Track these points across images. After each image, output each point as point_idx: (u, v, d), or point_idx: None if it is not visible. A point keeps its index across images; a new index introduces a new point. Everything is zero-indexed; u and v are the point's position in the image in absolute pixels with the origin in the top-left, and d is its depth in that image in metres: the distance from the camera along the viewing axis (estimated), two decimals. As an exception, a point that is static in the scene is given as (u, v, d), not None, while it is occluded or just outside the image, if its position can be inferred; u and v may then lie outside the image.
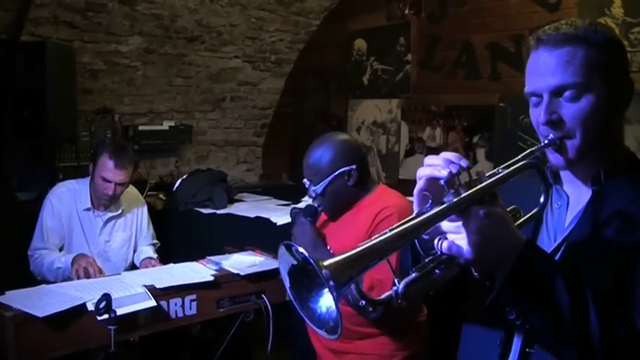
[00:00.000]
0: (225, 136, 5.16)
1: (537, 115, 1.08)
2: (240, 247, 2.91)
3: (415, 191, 1.00)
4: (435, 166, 0.97)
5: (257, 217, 3.56)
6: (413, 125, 4.21)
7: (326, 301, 0.89)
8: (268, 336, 2.49)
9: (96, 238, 2.89)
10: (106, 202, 2.86)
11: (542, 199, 1.10)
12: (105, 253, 2.91)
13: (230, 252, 2.84)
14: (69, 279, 2.55)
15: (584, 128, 1.05)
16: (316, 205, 2.03)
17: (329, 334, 0.90)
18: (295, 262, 0.92)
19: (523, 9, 3.51)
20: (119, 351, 2.04)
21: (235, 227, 3.61)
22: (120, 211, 2.95)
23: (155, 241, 3.17)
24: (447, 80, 3.95)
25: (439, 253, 0.98)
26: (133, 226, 3.03)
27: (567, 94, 1.05)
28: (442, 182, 0.94)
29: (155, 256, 3.03)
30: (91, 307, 2.06)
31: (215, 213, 3.81)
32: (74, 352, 2.07)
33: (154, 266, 2.83)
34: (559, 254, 1.09)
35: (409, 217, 0.96)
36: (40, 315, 1.96)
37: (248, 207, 3.93)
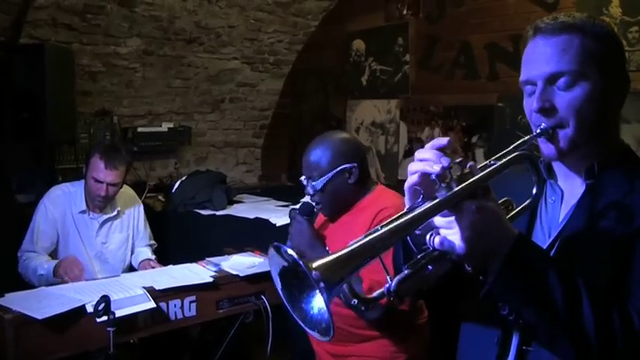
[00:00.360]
0: (224, 137, 5.15)
1: (531, 104, 1.07)
2: (239, 248, 2.92)
3: (406, 186, 0.98)
4: (427, 161, 0.95)
5: (256, 218, 3.57)
6: (412, 125, 4.20)
7: (317, 303, 0.87)
8: (268, 337, 2.49)
9: (92, 241, 2.88)
10: (99, 203, 2.84)
11: (534, 190, 1.09)
12: (102, 255, 2.90)
13: (229, 253, 2.84)
14: (53, 285, 2.49)
15: (578, 117, 1.04)
16: (314, 202, 1.99)
17: (322, 336, 0.89)
18: (286, 264, 0.91)
19: (521, 9, 3.50)
20: (118, 353, 2.04)
21: (234, 228, 3.61)
22: (115, 213, 2.94)
23: (152, 242, 3.15)
24: (446, 80, 3.95)
25: (431, 248, 0.96)
26: (129, 227, 3.02)
27: (561, 81, 1.04)
28: (434, 176, 0.92)
29: (153, 257, 3.02)
30: (90, 308, 2.06)
31: (214, 214, 3.81)
32: (73, 354, 2.07)
33: (153, 267, 2.82)
34: (554, 250, 1.08)
35: (400, 213, 0.94)
36: (40, 317, 1.97)
37: (247, 208, 3.93)
